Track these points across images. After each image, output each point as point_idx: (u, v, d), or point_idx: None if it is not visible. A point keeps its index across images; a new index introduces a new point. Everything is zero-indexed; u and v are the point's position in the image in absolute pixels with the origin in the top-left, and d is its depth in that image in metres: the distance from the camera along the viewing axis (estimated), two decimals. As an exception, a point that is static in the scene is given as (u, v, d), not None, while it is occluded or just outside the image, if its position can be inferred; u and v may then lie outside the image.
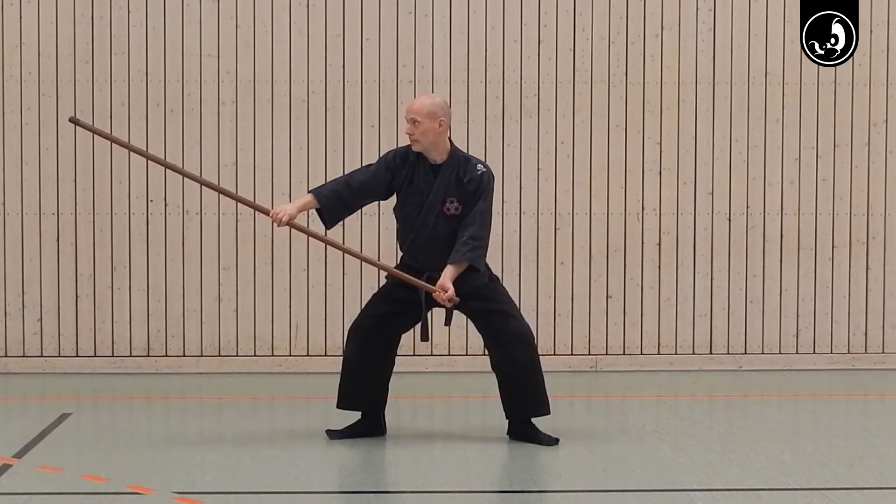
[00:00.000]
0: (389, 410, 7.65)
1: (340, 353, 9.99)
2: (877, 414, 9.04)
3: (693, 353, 10.21)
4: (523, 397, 7.44)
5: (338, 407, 7.61)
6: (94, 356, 10.01)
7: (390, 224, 9.91)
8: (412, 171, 7.48)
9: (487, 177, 7.43)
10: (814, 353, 10.27)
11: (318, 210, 7.52)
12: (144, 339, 10.02)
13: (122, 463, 6.94)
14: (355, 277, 10.04)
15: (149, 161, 9.91)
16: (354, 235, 9.99)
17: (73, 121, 7.84)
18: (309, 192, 7.64)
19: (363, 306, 7.78)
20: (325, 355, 10.04)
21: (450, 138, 7.54)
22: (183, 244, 10.03)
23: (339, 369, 7.61)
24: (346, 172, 8.28)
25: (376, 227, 10.01)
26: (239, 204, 9.93)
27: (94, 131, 8.18)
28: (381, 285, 7.91)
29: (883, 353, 10.28)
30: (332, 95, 10.04)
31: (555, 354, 10.08)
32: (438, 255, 7.38)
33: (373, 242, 10.02)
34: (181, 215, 10.00)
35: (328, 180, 8.08)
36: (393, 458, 7.04)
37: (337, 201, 7.49)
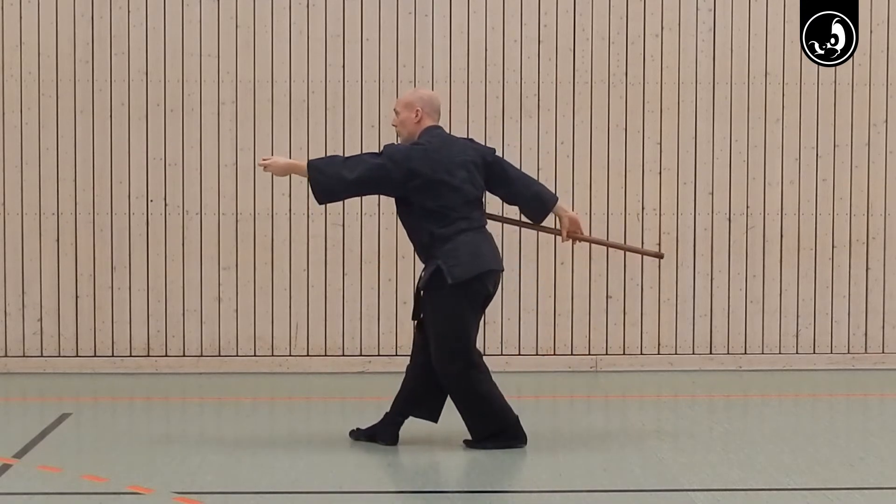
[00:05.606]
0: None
1: (340, 353, 10.03)
2: (877, 414, 9.04)
3: (693, 353, 10.21)
4: None
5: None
6: (94, 356, 10.01)
7: (391, 224, 9.94)
8: None
9: (391, 146, 7.20)
10: (814, 353, 10.26)
11: None
12: (144, 339, 10.02)
13: (122, 463, 6.94)
14: (355, 277, 10.04)
15: (149, 161, 9.95)
16: (354, 235, 10.00)
17: None
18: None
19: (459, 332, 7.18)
20: (325, 355, 10.04)
21: (432, 128, 7.26)
22: (183, 244, 10.02)
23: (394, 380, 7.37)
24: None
25: (376, 227, 10.01)
26: (238, 204, 9.98)
27: (591, 241, 8.04)
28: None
29: (883, 353, 10.28)
30: (332, 95, 10.04)
31: (555, 354, 10.08)
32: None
33: (373, 242, 10.02)
34: (181, 215, 10.00)
35: None
36: (393, 458, 7.04)
37: None
